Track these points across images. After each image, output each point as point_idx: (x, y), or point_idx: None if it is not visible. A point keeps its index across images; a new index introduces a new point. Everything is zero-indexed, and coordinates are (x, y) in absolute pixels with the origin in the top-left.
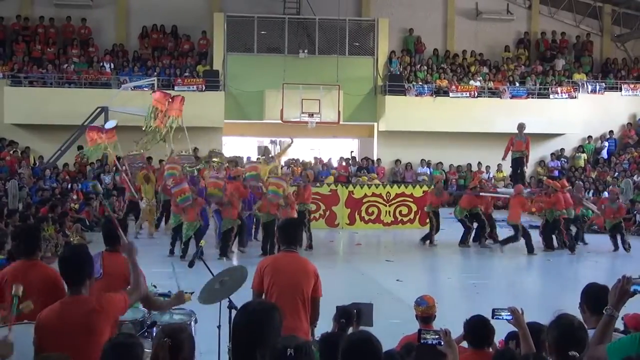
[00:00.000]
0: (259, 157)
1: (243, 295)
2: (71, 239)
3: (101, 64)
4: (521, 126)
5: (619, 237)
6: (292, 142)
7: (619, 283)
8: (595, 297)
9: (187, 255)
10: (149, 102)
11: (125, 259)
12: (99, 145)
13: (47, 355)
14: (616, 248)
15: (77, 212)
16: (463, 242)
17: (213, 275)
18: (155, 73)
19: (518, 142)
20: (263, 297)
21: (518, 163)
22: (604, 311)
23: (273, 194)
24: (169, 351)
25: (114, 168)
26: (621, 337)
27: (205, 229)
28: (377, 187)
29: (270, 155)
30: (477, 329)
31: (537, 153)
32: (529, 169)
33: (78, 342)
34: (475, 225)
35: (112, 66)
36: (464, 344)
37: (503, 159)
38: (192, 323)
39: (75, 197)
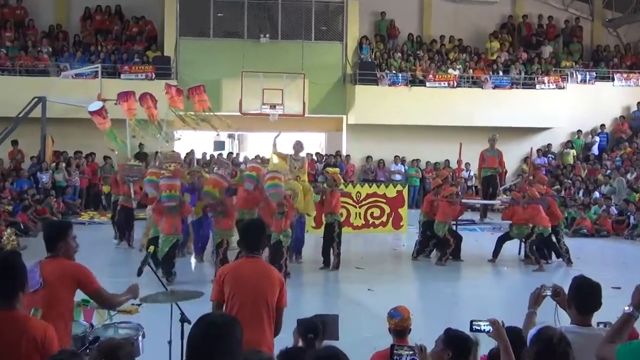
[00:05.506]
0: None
1: (199, 310)
2: (4, 245)
3: (38, 48)
4: (492, 139)
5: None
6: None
7: None
8: (583, 299)
9: (172, 276)
10: (93, 91)
11: (69, 263)
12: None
13: (58, 355)
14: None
15: (10, 215)
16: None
17: (165, 286)
18: (100, 59)
19: (490, 158)
20: (223, 308)
21: (490, 182)
22: (624, 309)
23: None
24: None
25: (53, 165)
26: (633, 341)
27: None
28: (346, 187)
29: (301, 155)
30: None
31: (522, 149)
32: (512, 167)
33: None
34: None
35: (51, 51)
36: None
37: (478, 179)
38: (139, 338)
39: (9, 197)
